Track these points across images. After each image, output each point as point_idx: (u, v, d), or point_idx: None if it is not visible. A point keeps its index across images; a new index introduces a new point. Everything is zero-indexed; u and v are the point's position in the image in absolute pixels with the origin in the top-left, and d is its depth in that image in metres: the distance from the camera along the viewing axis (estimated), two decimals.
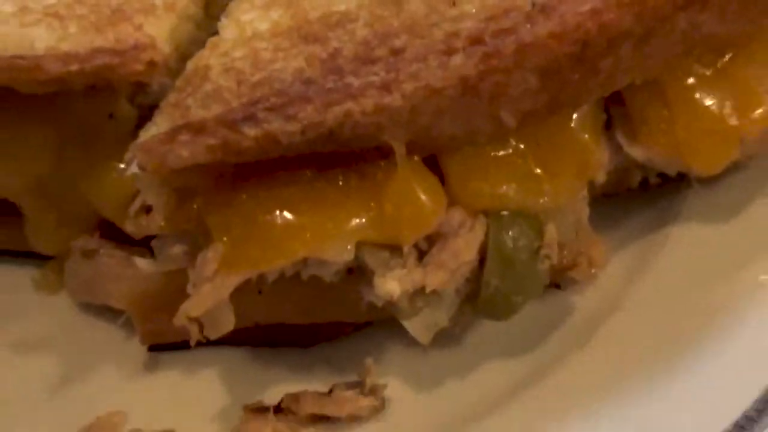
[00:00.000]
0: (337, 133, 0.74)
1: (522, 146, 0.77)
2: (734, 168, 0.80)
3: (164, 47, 0.77)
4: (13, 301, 0.84)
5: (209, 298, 0.75)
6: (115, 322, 0.82)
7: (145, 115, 0.77)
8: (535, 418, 0.76)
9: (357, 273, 0.77)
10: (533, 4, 0.75)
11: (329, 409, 0.78)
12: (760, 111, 0.77)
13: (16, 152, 0.80)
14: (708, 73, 0.77)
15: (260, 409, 0.78)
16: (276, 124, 0.73)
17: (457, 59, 0.74)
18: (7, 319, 0.83)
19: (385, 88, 0.74)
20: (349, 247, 0.75)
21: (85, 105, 0.78)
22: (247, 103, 0.74)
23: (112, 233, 0.80)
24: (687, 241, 0.81)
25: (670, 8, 0.74)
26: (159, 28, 0.77)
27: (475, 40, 0.74)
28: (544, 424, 0.76)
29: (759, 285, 0.78)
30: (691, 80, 0.77)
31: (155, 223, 0.77)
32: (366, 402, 0.78)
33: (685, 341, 0.76)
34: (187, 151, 0.73)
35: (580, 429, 0.75)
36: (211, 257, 0.75)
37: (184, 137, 0.74)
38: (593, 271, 0.80)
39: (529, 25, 0.74)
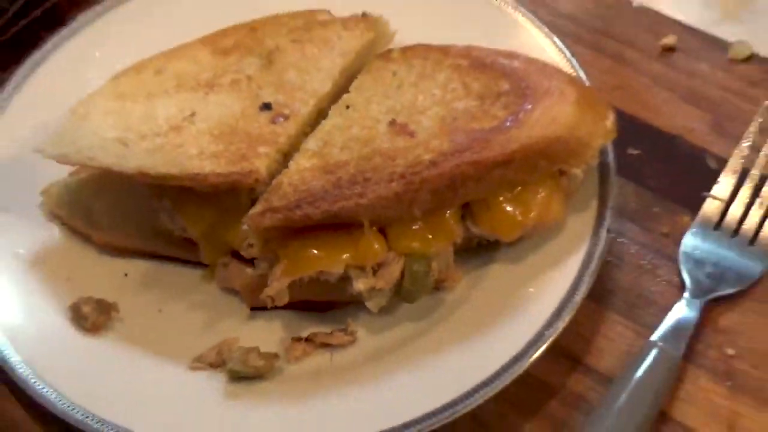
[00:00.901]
0: (338, 215, 0.75)
1: (422, 225, 0.78)
2: (522, 238, 0.80)
3: (263, 173, 0.78)
4: (191, 285, 0.83)
5: (277, 287, 0.76)
6: (237, 297, 0.82)
7: (253, 203, 0.78)
8: (423, 351, 0.77)
9: (345, 278, 0.77)
10: (429, 162, 0.77)
11: (329, 340, 0.78)
12: (532, 214, 0.78)
13: (210, 219, 0.81)
14: (510, 195, 0.79)
15: (298, 339, 0.79)
16: (309, 210, 0.75)
17: (394, 185, 0.76)
18: (188, 294, 0.83)
19: (360, 196, 0.75)
20: (342, 267, 0.76)
21: (227, 197, 0.79)
22: (297, 200, 0.76)
23: (237, 255, 0.80)
24: (499, 272, 0.81)
25: (492, 166, 0.76)
26: (262, 165, 0.78)
27: (402, 176, 0.76)
28: (424, 354, 0.77)
29: (533, 291, 0.79)
30: (501, 198, 0.78)
31: (255, 251, 0.78)
32: (347, 338, 0.79)
33: (491, 324, 0.77)
34: (268, 221, 0.76)
35: (440, 358, 0.76)
36: (278, 269, 0.76)
37: (268, 214, 0.76)
38: (454, 283, 0.80)
39: (427, 171, 0.76)
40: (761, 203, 0.84)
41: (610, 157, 0.84)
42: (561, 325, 0.76)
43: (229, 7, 0.95)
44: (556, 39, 0.92)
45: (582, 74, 0.89)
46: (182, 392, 0.78)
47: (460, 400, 0.73)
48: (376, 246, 0.78)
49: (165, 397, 0.78)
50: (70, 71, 0.94)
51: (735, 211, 0.84)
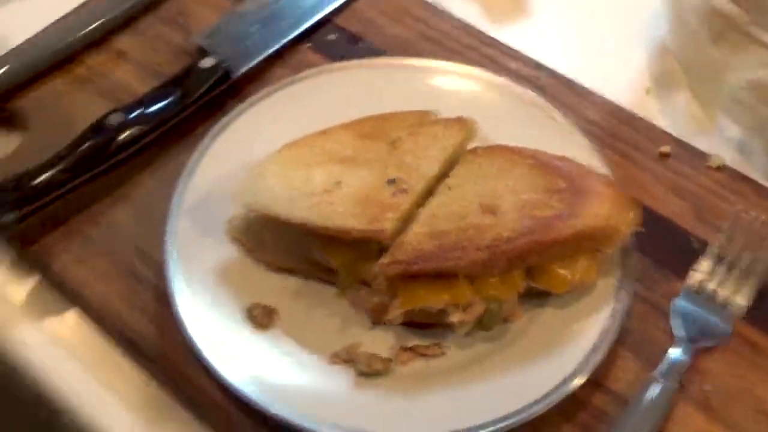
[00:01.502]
0: (442, 271, 0.74)
1: (498, 279, 0.76)
2: (569, 291, 0.78)
3: (389, 233, 0.76)
4: (329, 299, 0.81)
5: (395, 314, 0.75)
6: (362, 312, 0.80)
7: (379, 251, 0.77)
8: (495, 367, 0.75)
9: (443, 311, 0.76)
10: (507, 238, 0.75)
11: (427, 351, 0.77)
12: (576, 276, 0.77)
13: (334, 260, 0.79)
14: (561, 263, 0.77)
15: (405, 348, 0.77)
16: (423, 265, 0.74)
17: (481, 253, 0.74)
18: (327, 305, 0.81)
19: (459, 259, 0.74)
20: (442, 304, 0.75)
21: (361, 244, 0.78)
22: (414, 257, 0.74)
23: (365, 283, 0.79)
24: (550, 314, 0.79)
25: (550, 244, 0.75)
26: (389, 226, 0.76)
27: (488, 248, 0.74)
28: (495, 369, 0.75)
29: (575, 330, 0.77)
30: (554, 264, 0.77)
31: (381, 288, 0.77)
32: (440, 351, 0.77)
33: (545, 352, 0.75)
34: (393, 270, 0.74)
35: (507, 374, 0.74)
36: (397, 301, 0.75)
37: (393, 265, 0.74)
38: (517, 318, 0.79)
39: (505, 245, 0.74)
40: (730, 280, 0.82)
41: (631, 237, 0.82)
42: (599, 358, 0.75)
43: (365, 102, 0.92)
44: (594, 145, 0.89)
45: (610, 173, 0.86)
46: (323, 379, 0.77)
47: (525, 409, 0.72)
48: (467, 292, 0.76)
49: (310, 382, 0.76)
50: (250, 132, 0.91)
51: (712, 284, 0.82)
